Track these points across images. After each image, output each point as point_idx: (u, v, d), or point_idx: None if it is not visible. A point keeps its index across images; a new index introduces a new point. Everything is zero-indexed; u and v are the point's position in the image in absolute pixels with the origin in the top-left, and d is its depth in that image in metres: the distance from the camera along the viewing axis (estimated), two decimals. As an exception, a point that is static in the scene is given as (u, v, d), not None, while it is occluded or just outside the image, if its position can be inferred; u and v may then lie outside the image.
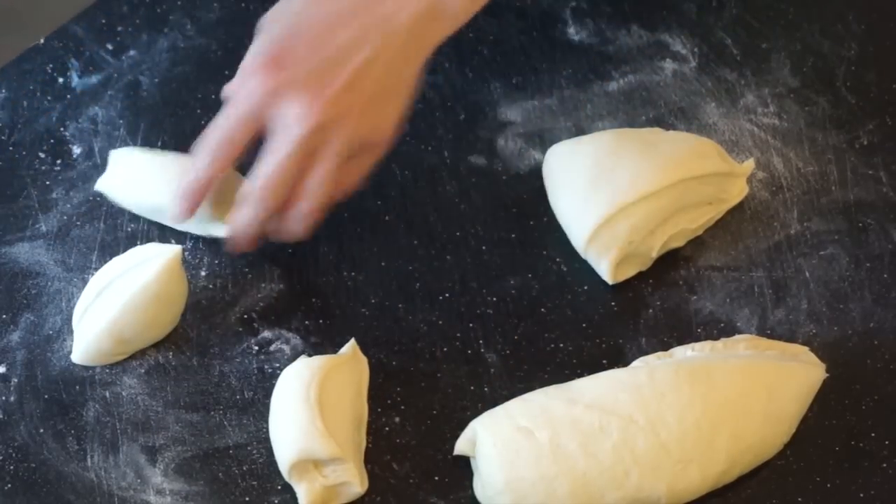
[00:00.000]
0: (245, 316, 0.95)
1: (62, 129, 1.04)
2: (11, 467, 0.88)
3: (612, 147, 0.97)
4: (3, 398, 0.91)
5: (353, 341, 0.90)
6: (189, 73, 1.08)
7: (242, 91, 0.88)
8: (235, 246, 0.93)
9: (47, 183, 1.01)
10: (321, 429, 0.84)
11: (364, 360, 0.90)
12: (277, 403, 0.88)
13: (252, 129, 0.88)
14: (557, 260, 0.98)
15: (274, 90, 0.86)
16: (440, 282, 0.96)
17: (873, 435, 0.89)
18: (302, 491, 0.85)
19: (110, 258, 0.95)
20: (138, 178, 0.96)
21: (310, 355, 0.90)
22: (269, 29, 0.89)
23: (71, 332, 0.93)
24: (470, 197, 1.01)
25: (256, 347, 0.93)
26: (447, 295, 0.96)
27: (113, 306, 0.90)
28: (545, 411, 0.85)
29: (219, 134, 0.89)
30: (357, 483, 0.85)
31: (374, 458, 0.88)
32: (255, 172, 0.89)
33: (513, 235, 0.99)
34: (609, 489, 0.83)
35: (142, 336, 0.92)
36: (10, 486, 0.88)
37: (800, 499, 0.87)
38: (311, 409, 0.85)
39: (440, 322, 0.94)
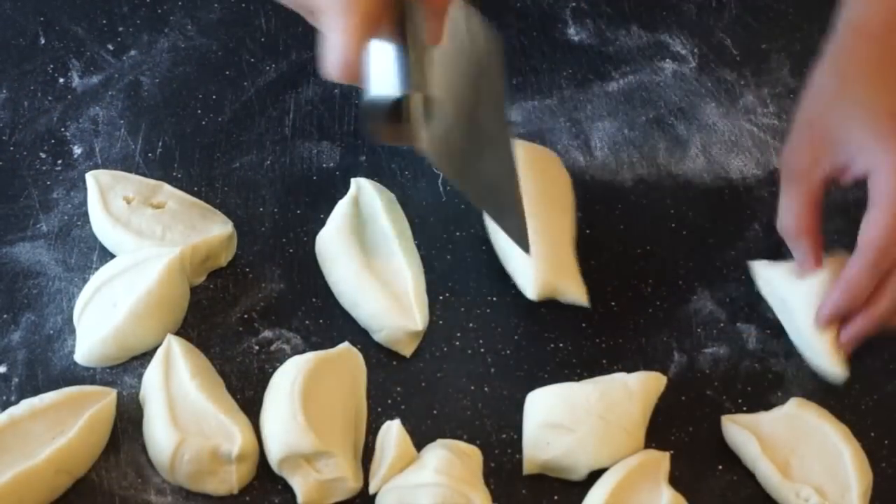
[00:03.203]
0: (246, 316, 0.95)
1: (63, 129, 1.04)
2: (12, 467, 0.88)
3: None
4: (4, 398, 0.90)
5: (346, 343, 0.91)
6: (190, 74, 1.08)
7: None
8: None
9: (48, 183, 1.01)
10: (302, 423, 0.84)
11: (359, 358, 0.90)
12: (266, 401, 0.88)
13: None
14: (557, 260, 0.98)
15: None
16: (440, 281, 0.96)
17: (873, 435, 0.89)
18: (297, 486, 0.85)
19: (111, 258, 0.95)
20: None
21: (307, 356, 0.90)
22: None
23: (72, 331, 0.93)
24: (470, 197, 1.01)
25: (257, 347, 0.93)
26: (447, 295, 0.96)
27: (116, 314, 0.90)
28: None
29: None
30: (351, 478, 0.85)
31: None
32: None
33: (513, 235, 0.99)
34: None
35: (145, 342, 0.91)
36: (10, 485, 0.88)
37: (799, 498, 0.87)
38: (293, 403, 0.84)
39: (440, 322, 0.95)
